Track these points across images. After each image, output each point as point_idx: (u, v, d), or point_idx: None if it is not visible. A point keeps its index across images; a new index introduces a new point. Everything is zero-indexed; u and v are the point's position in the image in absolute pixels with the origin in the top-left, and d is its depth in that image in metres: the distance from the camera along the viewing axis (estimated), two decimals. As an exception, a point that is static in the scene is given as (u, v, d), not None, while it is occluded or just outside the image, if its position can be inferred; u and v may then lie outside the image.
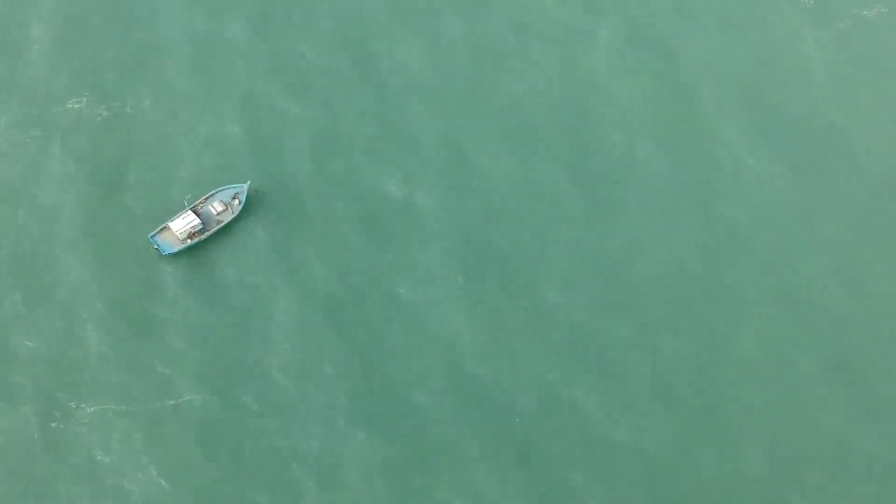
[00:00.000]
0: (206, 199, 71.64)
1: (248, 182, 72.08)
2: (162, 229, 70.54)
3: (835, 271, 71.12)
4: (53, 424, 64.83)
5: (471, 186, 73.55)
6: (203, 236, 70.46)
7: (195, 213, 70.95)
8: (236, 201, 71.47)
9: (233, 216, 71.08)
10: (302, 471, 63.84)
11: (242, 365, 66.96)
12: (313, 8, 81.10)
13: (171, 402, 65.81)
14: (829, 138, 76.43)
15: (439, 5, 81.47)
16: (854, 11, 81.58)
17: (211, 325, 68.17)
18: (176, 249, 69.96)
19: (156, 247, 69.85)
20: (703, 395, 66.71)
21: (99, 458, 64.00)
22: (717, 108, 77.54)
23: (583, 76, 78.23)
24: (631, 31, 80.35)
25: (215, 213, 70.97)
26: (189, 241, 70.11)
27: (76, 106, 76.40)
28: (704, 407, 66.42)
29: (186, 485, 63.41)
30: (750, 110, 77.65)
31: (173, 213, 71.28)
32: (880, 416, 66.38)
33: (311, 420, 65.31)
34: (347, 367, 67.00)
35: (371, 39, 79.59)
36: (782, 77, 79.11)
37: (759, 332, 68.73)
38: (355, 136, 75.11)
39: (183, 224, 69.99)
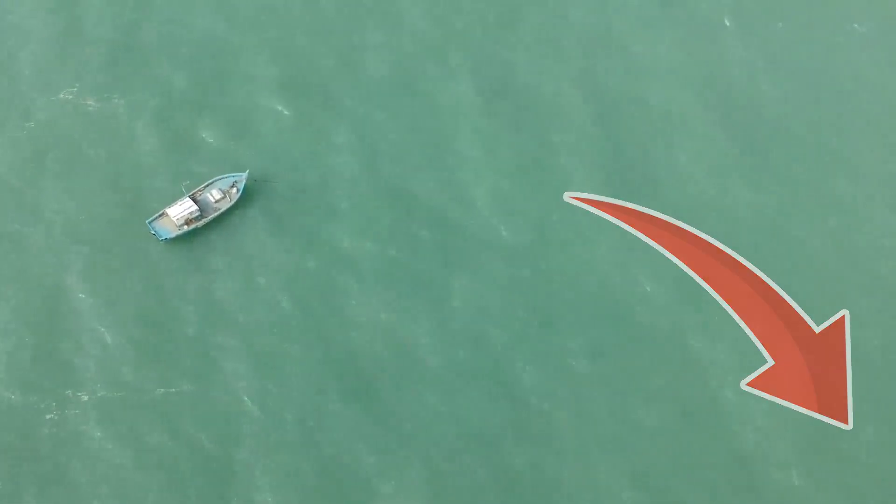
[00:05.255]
0: (205, 186, 72.07)
1: (247, 171, 72.77)
2: (160, 215, 70.66)
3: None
4: (49, 416, 63.87)
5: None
6: (200, 223, 70.70)
7: (193, 200, 71.30)
8: (234, 190, 72.01)
9: (230, 204, 71.53)
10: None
11: (237, 351, 66.99)
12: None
13: (166, 389, 65.46)
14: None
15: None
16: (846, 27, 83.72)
17: (204, 311, 68.06)
18: (173, 235, 70.08)
19: (153, 232, 69.84)
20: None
21: (98, 446, 63.27)
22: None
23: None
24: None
25: (213, 200, 71.37)
26: (186, 227, 70.30)
27: (68, 97, 76.59)
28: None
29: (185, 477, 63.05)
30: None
31: (172, 199, 71.51)
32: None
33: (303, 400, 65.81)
34: (334, 358, 67.46)
35: (369, 36, 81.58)
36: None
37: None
38: (354, 129, 76.31)
39: (180, 210, 70.23)
